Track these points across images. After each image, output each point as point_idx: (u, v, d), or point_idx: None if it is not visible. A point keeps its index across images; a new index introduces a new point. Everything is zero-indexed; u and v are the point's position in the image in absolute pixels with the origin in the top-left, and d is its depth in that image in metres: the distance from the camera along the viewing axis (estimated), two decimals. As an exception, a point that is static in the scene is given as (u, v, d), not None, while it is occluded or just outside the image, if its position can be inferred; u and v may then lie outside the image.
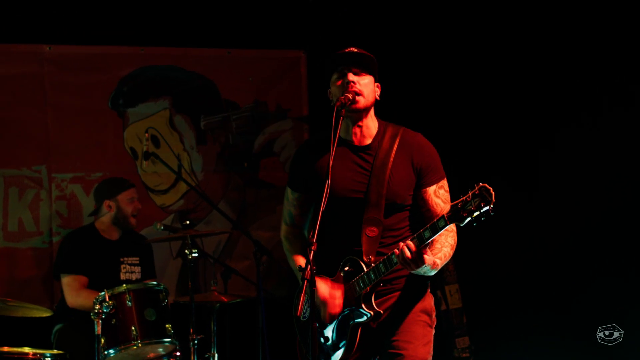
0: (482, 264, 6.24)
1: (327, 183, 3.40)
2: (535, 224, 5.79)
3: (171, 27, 6.51)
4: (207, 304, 5.38)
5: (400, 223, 3.70)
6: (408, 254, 3.38)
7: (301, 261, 3.77)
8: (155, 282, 5.23)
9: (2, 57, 6.20)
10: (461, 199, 3.28)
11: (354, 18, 6.51)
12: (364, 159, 3.69)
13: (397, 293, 3.68)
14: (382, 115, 3.81)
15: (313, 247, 3.27)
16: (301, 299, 3.34)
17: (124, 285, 5.05)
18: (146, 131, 6.38)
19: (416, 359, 3.61)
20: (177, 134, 6.56)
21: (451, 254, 3.61)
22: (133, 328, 4.91)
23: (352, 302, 3.61)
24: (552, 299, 5.67)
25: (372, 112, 3.73)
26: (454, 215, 3.29)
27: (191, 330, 5.16)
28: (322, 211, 3.34)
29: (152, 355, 5.10)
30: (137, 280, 5.65)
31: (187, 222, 5.37)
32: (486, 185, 3.22)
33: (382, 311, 3.60)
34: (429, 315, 3.73)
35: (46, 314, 5.13)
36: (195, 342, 5.15)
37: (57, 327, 5.60)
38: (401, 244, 3.42)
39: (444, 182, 3.70)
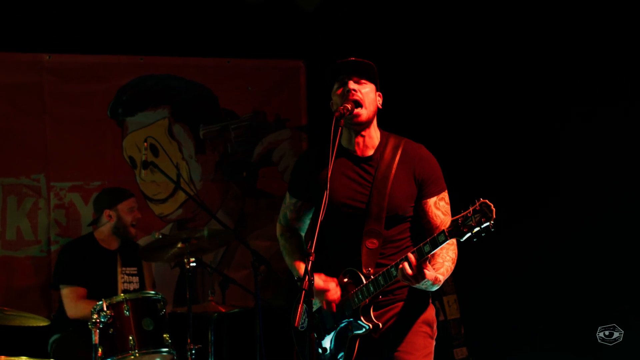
0: (480, 274, 6.24)
1: (326, 194, 3.39)
2: (534, 235, 5.78)
3: (170, 36, 6.52)
4: (205, 313, 5.38)
5: (400, 235, 3.69)
6: (408, 269, 3.37)
7: (302, 267, 3.74)
8: (153, 292, 5.22)
9: (1, 66, 6.20)
10: (462, 214, 3.28)
11: (352, 28, 6.53)
12: (365, 170, 3.69)
13: (399, 304, 3.67)
14: (381, 124, 3.81)
15: (311, 258, 3.26)
16: (299, 309, 3.31)
17: (122, 294, 5.05)
18: (145, 140, 6.39)
19: (417, 370, 3.60)
20: (176, 143, 6.57)
21: (452, 268, 3.59)
22: (130, 338, 4.90)
23: (350, 314, 3.60)
24: (550, 310, 5.66)
25: (374, 122, 3.72)
26: (454, 231, 3.29)
27: (188, 340, 5.15)
28: (321, 222, 3.34)
29: (149, 364, 5.09)
30: (135, 290, 5.64)
31: (186, 231, 5.36)
32: (487, 201, 3.22)
33: (380, 324, 3.59)
34: (431, 326, 3.72)
35: (43, 323, 5.11)
36: (193, 352, 5.14)
37: (55, 337, 5.58)
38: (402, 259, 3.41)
39: (445, 194, 3.69)
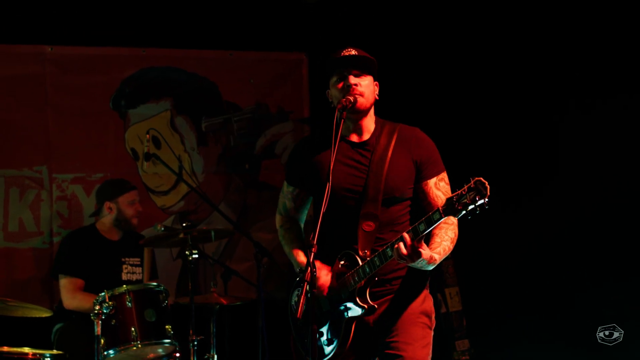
0: (482, 266, 6.25)
1: (328, 186, 3.41)
2: (536, 227, 5.78)
3: (173, 28, 6.52)
4: (207, 305, 5.38)
5: (399, 218, 3.69)
6: (403, 248, 3.38)
7: (300, 255, 3.77)
8: (155, 283, 5.23)
9: (3, 57, 6.20)
10: (457, 192, 3.29)
11: (355, 20, 6.52)
12: (361, 155, 3.71)
13: (395, 294, 3.68)
14: (382, 113, 3.82)
15: (314, 249, 3.27)
16: (301, 301, 3.32)
17: (124, 286, 5.05)
18: (147, 132, 6.37)
19: (415, 360, 3.61)
20: (178, 135, 6.57)
21: (451, 247, 3.60)
22: (133, 329, 4.91)
23: (346, 296, 3.61)
24: (552, 302, 5.66)
25: (371, 111, 3.75)
26: (449, 208, 3.30)
27: (191, 331, 5.16)
28: (323, 213, 3.35)
29: (151, 356, 5.10)
30: (137, 281, 5.65)
31: (188, 223, 5.37)
32: (481, 179, 3.23)
33: (376, 305, 3.60)
34: (429, 316, 3.72)
35: (46, 314, 5.13)
36: (195, 343, 5.15)
37: (57, 327, 5.60)
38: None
39: (444, 175, 3.71)
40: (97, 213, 5.81)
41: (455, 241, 3.62)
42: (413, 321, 3.66)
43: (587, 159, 5.53)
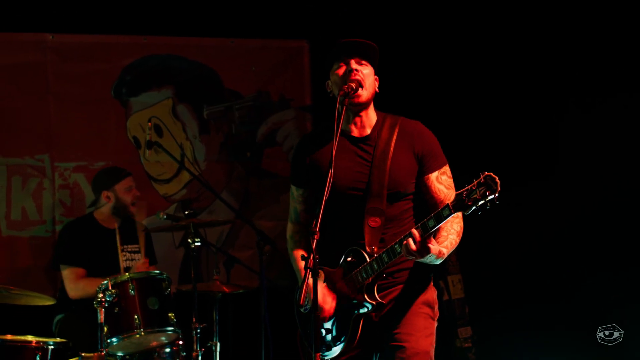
0: (484, 254, 6.25)
1: (331, 172, 3.37)
2: (538, 215, 5.78)
3: (174, 16, 6.50)
4: (210, 293, 5.39)
5: (403, 213, 3.68)
6: (412, 244, 3.36)
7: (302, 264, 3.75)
8: (158, 271, 5.23)
9: (4, 45, 6.19)
10: (466, 187, 3.26)
11: (357, 8, 6.50)
12: (364, 150, 3.68)
13: (400, 286, 3.67)
14: (384, 106, 3.80)
15: (316, 237, 3.25)
16: (304, 288, 3.31)
17: (127, 274, 5.06)
18: (149, 120, 6.38)
19: (418, 350, 3.60)
20: (180, 123, 6.56)
21: (458, 241, 3.59)
22: (136, 317, 4.92)
23: (354, 293, 3.60)
24: (554, 290, 5.67)
25: (371, 104, 3.72)
26: (459, 204, 3.27)
27: (194, 319, 5.16)
28: (325, 200, 3.33)
29: (154, 343, 5.11)
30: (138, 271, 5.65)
31: (190, 211, 5.37)
32: (491, 174, 3.21)
33: (384, 302, 3.59)
34: (431, 307, 3.72)
35: (49, 302, 5.14)
36: (198, 331, 5.16)
37: (58, 318, 5.61)
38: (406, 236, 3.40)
39: (446, 168, 3.69)
40: (95, 203, 5.81)
41: (461, 234, 3.61)
42: (416, 312, 3.65)
43: (588, 153, 5.53)
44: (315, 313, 3.26)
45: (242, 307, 6.17)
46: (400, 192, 3.65)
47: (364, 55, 3.65)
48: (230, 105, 6.68)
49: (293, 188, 3.86)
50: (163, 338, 5.10)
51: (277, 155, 6.72)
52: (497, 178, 3.19)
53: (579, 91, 5.65)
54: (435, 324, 3.72)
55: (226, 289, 5.35)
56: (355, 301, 3.60)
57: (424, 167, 3.66)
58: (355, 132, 3.71)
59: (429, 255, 3.40)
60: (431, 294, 3.74)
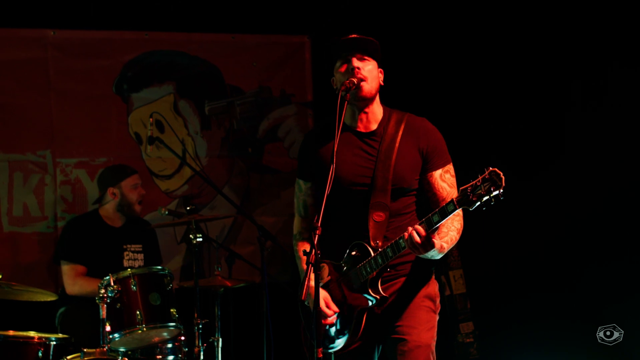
0: (486, 249, 6.24)
1: (332, 167, 3.39)
2: (539, 208, 5.78)
3: (175, 12, 6.49)
4: (212, 288, 5.40)
5: (407, 208, 3.70)
6: (417, 238, 3.38)
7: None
8: (159, 267, 5.24)
9: (6, 42, 6.19)
10: (471, 183, 3.28)
11: (357, 3, 6.49)
12: (369, 145, 3.70)
13: (402, 279, 3.69)
14: (387, 101, 3.81)
15: (318, 232, 3.26)
16: (306, 283, 3.33)
17: (129, 269, 5.06)
18: (150, 116, 6.38)
19: (420, 343, 3.62)
20: (182, 119, 6.56)
21: (457, 237, 3.62)
22: (138, 312, 4.93)
23: (358, 287, 3.61)
24: (556, 284, 5.66)
25: (377, 98, 3.73)
26: (463, 200, 3.29)
27: (195, 314, 5.17)
28: (327, 195, 3.34)
29: (156, 339, 5.12)
30: (139, 267, 5.66)
31: (192, 207, 5.38)
32: (496, 169, 3.22)
33: (388, 295, 3.61)
34: (433, 300, 3.74)
35: (51, 298, 5.15)
36: (200, 326, 5.17)
37: (60, 310, 5.62)
38: (410, 228, 3.42)
39: (450, 167, 3.71)
40: (99, 200, 5.82)
41: (461, 232, 3.63)
42: (418, 305, 3.68)
43: (591, 147, 5.52)
44: (317, 309, 3.27)
45: (243, 302, 6.17)
46: (405, 187, 3.67)
47: (365, 51, 3.66)
48: (231, 101, 6.68)
49: (301, 182, 3.88)
50: (165, 334, 5.10)
51: (278, 151, 6.73)
52: (501, 174, 3.20)
53: (585, 85, 5.63)
54: (437, 318, 3.75)
55: (228, 283, 5.35)
56: (359, 295, 3.61)
57: (429, 164, 3.68)
58: (361, 127, 3.73)
59: (432, 250, 3.41)
60: (433, 287, 3.76)
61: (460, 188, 3.33)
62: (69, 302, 5.59)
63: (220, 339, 5.32)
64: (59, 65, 6.28)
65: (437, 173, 3.68)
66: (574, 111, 5.71)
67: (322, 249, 3.28)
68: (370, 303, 3.59)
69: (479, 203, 3.25)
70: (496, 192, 3.21)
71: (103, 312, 4.78)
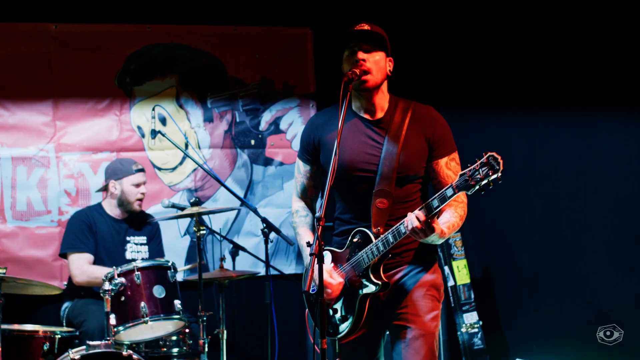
0: (490, 239, 6.24)
1: (335, 159, 3.42)
2: (543, 199, 5.77)
3: (177, 4, 6.49)
4: (216, 280, 5.40)
5: (411, 196, 3.72)
6: (417, 223, 3.41)
7: (309, 237, 3.80)
8: (163, 260, 5.25)
9: (8, 36, 6.19)
10: (469, 167, 3.32)
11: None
12: (376, 132, 3.72)
13: (406, 266, 3.72)
14: (392, 90, 3.81)
15: (321, 223, 3.29)
16: (310, 274, 3.37)
17: (133, 262, 5.07)
18: (153, 109, 6.38)
19: (423, 331, 3.65)
20: (184, 111, 6.56)
21: (460, 224, 3.66)
22: (142, 305, 4.94)
23: (360, 273, 3.63)
24: (561, 275, 5.66)
25: (383, 87, 3.75)
26: (462, 184, 3.33)
27: (200, 307, 5.18)
28: (330, 187, 3.38)
29: (161, 332, 5.13)
30: (142, 260, 5.67)
31: (195, 199, 5.38)
32: (494, 154, 3.26)
33: (390, 282, 3.64)
34: (437, 289, 3.76)
35: (55, 291, 5.17)
36: (204, 318, 5.17)
37: (65, 305, 5.64)
38: (410, 214, 3.44)
39: (455, 155, 3.74)
40: (104, 189, 5.83)
41: (464, 218, 3.67)
42: (422, 293, 3.70)
43: (600, 139, 5.49)
44: (321, 301, 3.28)
45: (247, 295, 6.19)
46: (410, 175, 3.69)
47: (372, 42, 3.67)
48: (234, 93, 6.67)
49: (300, 164, 3.91)
50: (169, 326, 5.11)
51: (281, 143, 6.73)
52: (499, 158, 3.25)
53: (587, 55, 5.59)
54: (441, 306, 3.78)
55: (232, 275, 5.36)
56: (361, 281, 3.63)
57: (434, 152, 3.70)
58: (368, 115, 3.75)
59: (432, 234, 3.43)
60: (437, 276, 3.79)
61: (459, 173, 3.37)
62: (74, 297, 5.60)
63: (225, 331, 5.32)
64: (62, 60, 6.27)
65: (443, 161, 3.70)
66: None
67: (325, 237, 3.31)
68: (372, 289, 3.61)
69: (477, 187, 3.29)
70: (494, 176, 3.25)
71: (107, 306, 4.79)
